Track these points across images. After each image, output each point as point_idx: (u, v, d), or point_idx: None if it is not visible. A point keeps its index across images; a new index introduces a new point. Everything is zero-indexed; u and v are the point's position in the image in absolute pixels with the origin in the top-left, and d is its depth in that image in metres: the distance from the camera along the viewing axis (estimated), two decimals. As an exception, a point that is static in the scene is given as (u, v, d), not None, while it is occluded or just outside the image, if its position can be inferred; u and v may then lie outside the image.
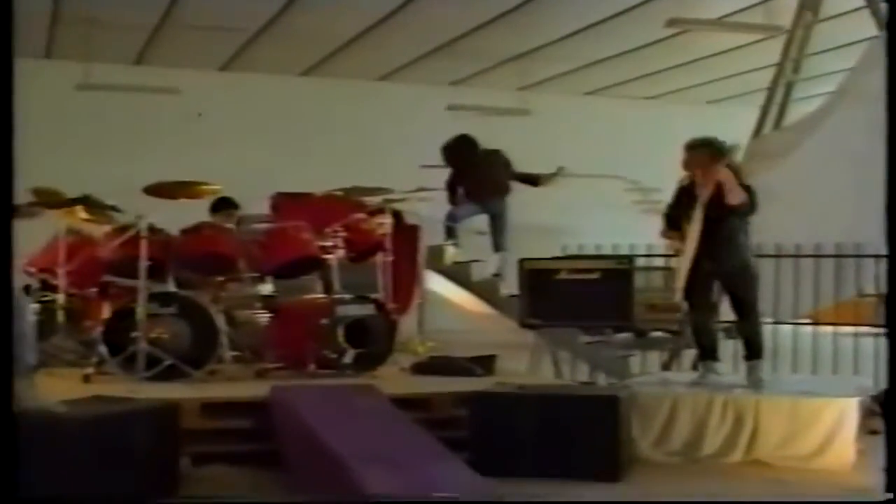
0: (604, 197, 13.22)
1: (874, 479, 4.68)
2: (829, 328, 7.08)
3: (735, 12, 9.61)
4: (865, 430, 5.48)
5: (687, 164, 5.86)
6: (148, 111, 12.06)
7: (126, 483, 4.34)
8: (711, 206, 5.64)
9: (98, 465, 4.24)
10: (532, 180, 8.89)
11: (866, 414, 5.59)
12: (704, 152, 5.77)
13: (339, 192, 6.84)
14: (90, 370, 5.64)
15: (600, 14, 10.51)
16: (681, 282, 5.65)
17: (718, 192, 5.64)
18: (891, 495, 3.04)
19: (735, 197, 5.56)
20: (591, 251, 7.42)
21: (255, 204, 7.38)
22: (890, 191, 3.22)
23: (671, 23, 8.95)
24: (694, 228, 5.66)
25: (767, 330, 6.47)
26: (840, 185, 6.76)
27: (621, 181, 13.44)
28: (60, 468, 4.15)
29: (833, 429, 5.15)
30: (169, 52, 11.94)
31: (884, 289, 5.99)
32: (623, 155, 13.66)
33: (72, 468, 4.17)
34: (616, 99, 14.38)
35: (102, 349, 5.66)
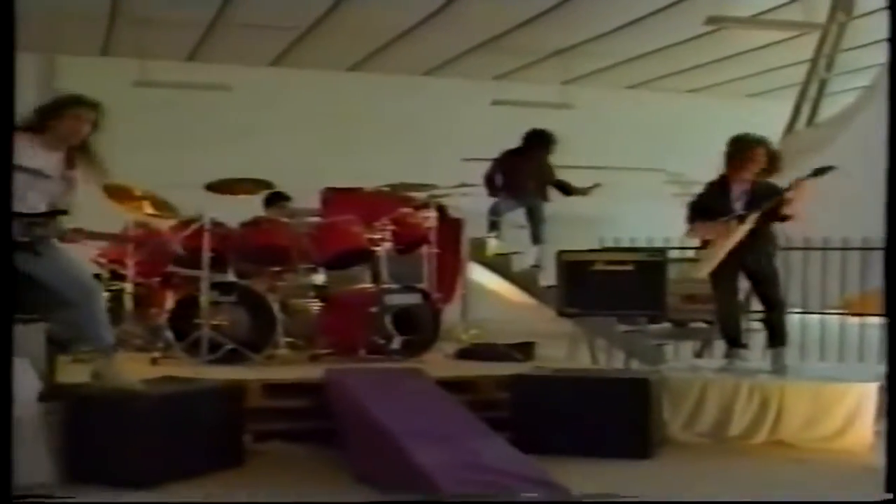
0: (644, 189, 13.53)
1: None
2: (857, 318, 7.42)
3: (773, 9, 9.90)
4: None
5: (755, 160, 6.19)
6: (201, 106, 12.55)
7: (197, 455, 4.84)
8: (769, 212, 6.02)
9: (172, 438, 4.75)
10: (566, 189, 9.31)
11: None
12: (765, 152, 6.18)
13: (386, 188, 7.28)
14: (157, 354, 6.16)
15: (640, 11, 10.82)
16: (707, 269, 6.03)
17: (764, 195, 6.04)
18: (891, 495, 3.06)
19: (797, 212, 5.99)
20: (626, 243, 7.80)
21: (305, 196, 7.88)
22: (890, 186, 3.52)
23: (710, 21, 9.27)
24: (742, 228, 6.03)
25: (797, 320, 6.83)
26: (868, 181, 7.06)
27: (662, 173, 13.75)
28: (139, 440, 4.67)
29: (853, 412, 5.52)
30: (220, 48, 12.42)
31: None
32: (663, 148, 13.94)
33: (149, 440, 4.68)
34: (657, 92, 14.66)
35: (168, 335, 6.18)
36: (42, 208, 4.79)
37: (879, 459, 5.33)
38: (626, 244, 8.22)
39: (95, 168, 5.05)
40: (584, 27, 11.57)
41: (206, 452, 4.90)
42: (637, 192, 13.42)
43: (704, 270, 6.12)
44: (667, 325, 7.93)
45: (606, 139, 13.76)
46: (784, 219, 6.16)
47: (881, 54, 9.04)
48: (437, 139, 13.17)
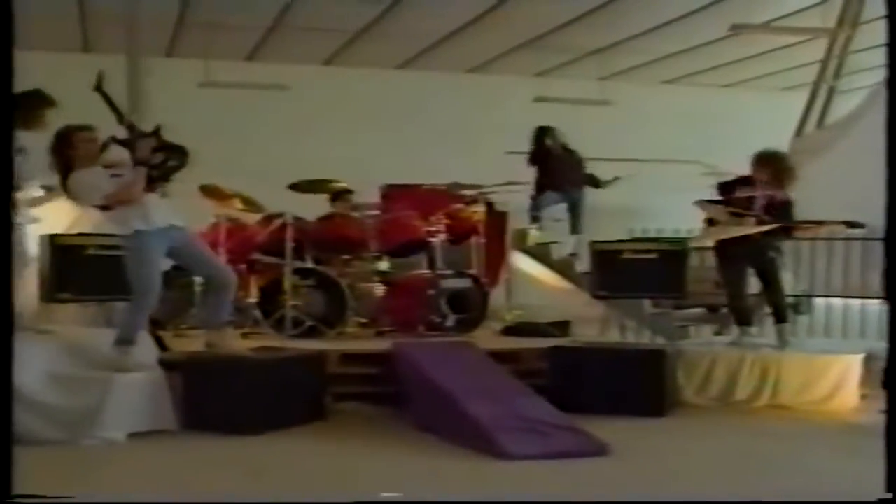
0: (680, 181, 14.65)
1: (873, 419, 6.27)
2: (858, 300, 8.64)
3: (797, 12, 11.03)
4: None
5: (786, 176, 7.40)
6: (261, 104, 13.86)
7: (290, 409, 6.15)
8: (779, 214, 7.21)
9: (271, 395, 6.07)
10: (595, 182, 10.49)
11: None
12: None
13: (441, 186, 8.58)
14: (247, 330, 7.49)
15: (674, 13, 11.96)
16: (717, 237, 7.23)
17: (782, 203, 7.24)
18: (890, 495, 3.09)
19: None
20: (659, 233, 9.00)
21: (357, 188, 9.12)
22: (890, 178, 4.16)
23: (734, 28, 10.44)
24: (756, 228, 7.19)
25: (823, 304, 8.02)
26: (870, 178, 8.18)
27: (698, 165, 14.87)
28: (246, 396, 5.99)
29: (840, 379, 6.76)
30: (278, 48, 13.72)
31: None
32: (699, 141, 15.00)
33: (253, 396, 6.00)
34: (692, 87, 15.75)
35: (257, 313, 7.52)
36: None
37: (861, 419, 6.56)
38: (658, 234, 9.43)
39: None
40: (620, 28, 12.69)
41: (297, 408, 6.21)
42: (673, 183, 14.55)
43: (701, 241, 7.33)
44: (700, 309, 9.18)
45: (643, 133, 14.91)
46: (790, 234, 7.37)
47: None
48: (481, 133, 14.36)
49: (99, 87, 5.94)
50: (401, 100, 14.62)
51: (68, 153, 5.94)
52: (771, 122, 12.09)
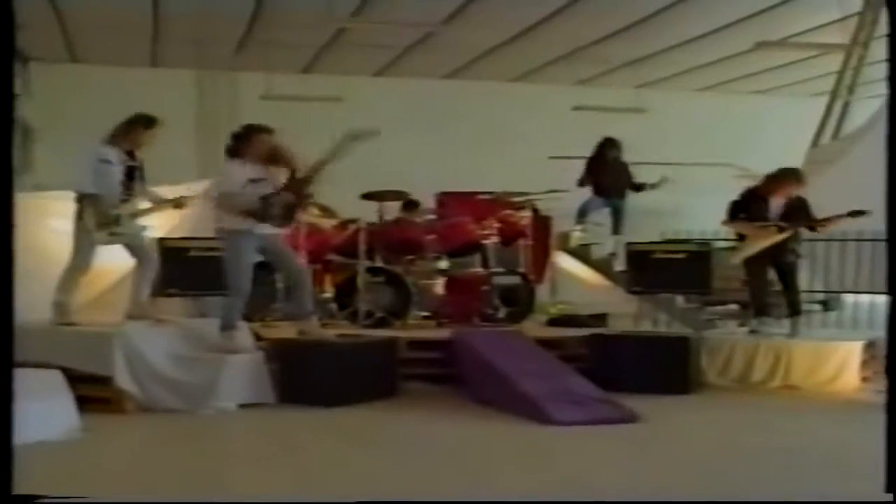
0: (714, 183, 15.82)
1: (871, 398, 7.54)
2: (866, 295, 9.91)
3: (818, 27, 12.24)
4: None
5: (789, 186, 8.59)
6: (317, 115, 15.16)
7: (368, 386, 7.48)
8: (796, 220, 8.45)
9: (352, 374, 7.40)
10: (639, 188, 11.74)
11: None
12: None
13: (491, 194, 9.95)
14: (325, 321, 8.84)
15: (703, 29, 13.17)
16: (740, 258, 8.49)
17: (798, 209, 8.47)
18: (891, 496, 3.17)
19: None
20: (684, 236, 10.26)
21: (412, 192, 10.37)
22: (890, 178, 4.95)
23: (759, 45, 11.69)
24: (781, 235, 8.41)
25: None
26: (881, 185, 9.40)
27: (730, 168, 16.04)
28: (332, 374, 7.33)
29: (843, 363, 8.01)
30: (332, 62, 15.08)
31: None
32: (731, 144, 16.19)
33: (338, 374, 7.34)
34: (723, 94, 16.94)
35: (333, 306, 8.89)
36: None
37: (862, 397, 7.80)
38: (687, 236, 10.68)
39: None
40: (654, 41, 13.89)
41: (374, 385, 7.55)
42: (706, 186, 15.71)
43: (738, 259, 8.59)
44: (732, 305, 10.41)
45: (677, 138, 16.12)
46: (813, 230, 8.61)
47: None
48: (524, 139, 15.64)
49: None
50: (447, 108, 15.88)
51: (240, 144, 7.30)
52: (799, 126, 13.23)
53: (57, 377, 6.30)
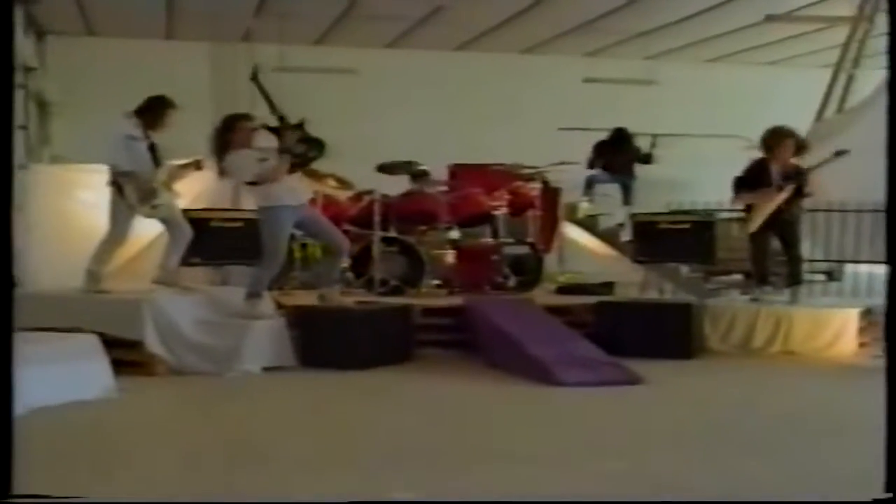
0: (723, 155, 16.20)
1: (867, 363, 8.01)
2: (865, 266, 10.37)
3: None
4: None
5: (786, 147, 9.00)
6: (331, 86, 15.56)
7: (385, 351, 7.96)
8: (797, 188, 8.85)
9: (370, 339, 7.89)
10: (647, 160, 12.15)
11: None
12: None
13: (502, 166, 10.40)
14: (342, 289, 9.32)
15: (713, 1, 13.51)
16: (754, 227, 8.92)
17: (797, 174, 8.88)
18: (891, 495, 3.20)
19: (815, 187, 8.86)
20: (690, 207, 10.69)
21: (424, 163, 10.79)
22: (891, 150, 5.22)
23: (769, 18, 12.09)
24: (780, 196, 8.85)
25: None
26: (879, 158, 9.80)
27: (739, 140, 16.43)
28: (351, 339, 7.81)
29: (840, 329, 8.47)
30: (344, 33, 15.45)
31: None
32: (740, 116, 16.47)
33: (357, 339, 7.82)
34: (733, 66, 17.24)
35: (349, 275, 9.36)
36: None
37: (858, 361, 8.25)
38: (698, 207, 11.10)
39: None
40: (664, 13, 14.21)
41: (390, 350, 8.03)
42: (716, 158, 16.09)
43: (752, 227, 9.00)
44: (738, 275, 10.86)
45: (686, 109, 16.47)
46: (807, 195, 9.02)
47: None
48: (534, 110, 16.02)
49: (255, 78, 7.75)
50: (458, 80, 16.24)
51: (228, 136, 7.76)
52: (808, 98, 13.57)
53: (93, 341, 6.77)
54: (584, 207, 11.88)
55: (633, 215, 9.74)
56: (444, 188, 10.31)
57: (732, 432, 5.68)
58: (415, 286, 9.35)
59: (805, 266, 9.49)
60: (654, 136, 12.41)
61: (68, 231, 8.78)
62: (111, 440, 5.46)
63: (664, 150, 13.55)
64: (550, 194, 11.15)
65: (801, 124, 11.61)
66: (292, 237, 8.48)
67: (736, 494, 4.27)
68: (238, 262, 8.72)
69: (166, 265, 8.03)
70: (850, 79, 11.66)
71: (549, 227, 10.99)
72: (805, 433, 5.66)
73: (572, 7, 13.92)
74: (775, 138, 9.11)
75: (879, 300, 9.25)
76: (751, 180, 9.19)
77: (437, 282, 9.72)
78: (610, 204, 12.14)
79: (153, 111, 8.02)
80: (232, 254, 8.72)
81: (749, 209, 9.28)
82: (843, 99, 11.62)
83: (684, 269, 10.59)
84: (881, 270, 9.70)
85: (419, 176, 10.07)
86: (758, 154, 9.39)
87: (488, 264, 9.74)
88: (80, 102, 14.01)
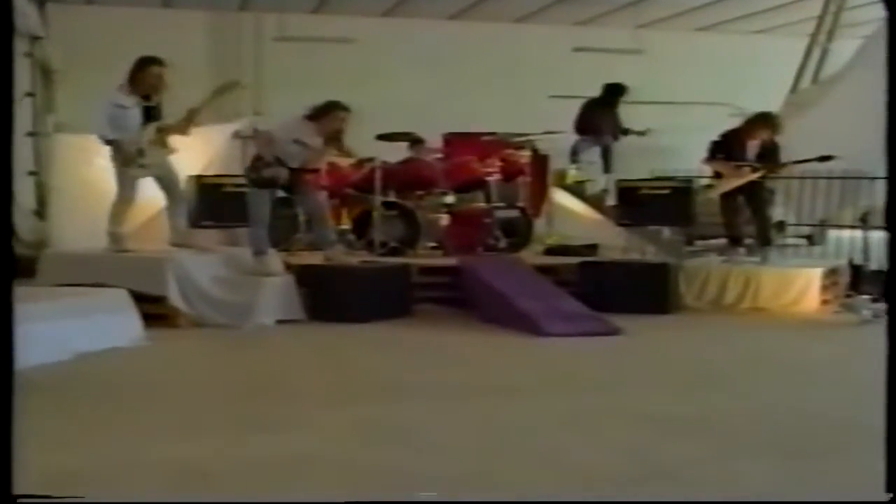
0: (710, 123, 17.10)
1: (828, 317, 9.07)
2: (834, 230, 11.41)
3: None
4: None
5: (766, 128, 10.03)
6: (328, 55, 16.36)
7: (386, 306, 8.96)
8: (766, 161, 9.87)
9: (373, 295, 8.89)
10: (624, 132, 13.15)
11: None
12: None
13: (494, 134, 11.41)
14: (345, 250, 10.32)
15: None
16: (716, 193, 9.95)
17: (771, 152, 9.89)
18: (891, 495, 3.30)
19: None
20: (673, 175, 11.68)
21: (419, 131, 11.73)
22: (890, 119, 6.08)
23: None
24: (754, 175, 9.87)
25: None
26: (850, 127, 10.73)
27: (726, 108, 17.32)
28: (355, 295, 8.81)
29: (804, 287, 9.50)
30: (341, 2, 16.28)
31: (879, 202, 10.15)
32: (729, 84, 17.33)
33: (360, 295, 8.82)
34: (725, 34, 18.01)
35: (351, 237, 10.37)
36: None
37: (820, 317, 9.27)
38: (681, 175, 12.08)
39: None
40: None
41: (391, 305, 9.03)
42: (703, 126, 16.98)
43: (713, 194, 10.04)
44: (722, 240, 11.85)
45: (675, 78, 17.29)
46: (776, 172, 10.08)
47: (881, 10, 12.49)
48: (525, 79, 16.87)
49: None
50: (452, 49, 17.00)
51: (321, 117, 8.98)
52: (793, 66, 14.46)
53: (124, 295, 7.75)
54: (572, 174, 12.87)
55: (618, 181, 10.73)
56: (440, 156, 11.32)
57: (701, 372, 6.70)
58: (412, 247, 10.36)
59: (778, 228, 10.52)
60: (647, 130, 13.31)
61: (91, 196, 9.74)
62: (150, 378, 6.45)
63: (653, 120, 14.47)
64: (539, 161, 12.19)
65: (785, 92, 12.60)
66: (287, 200, 9.45)
67: (704, 421, 5.09)
68: (245, 224, 9.71)
69: (176, 227, 9.00)
70: (825, 51, 12.59)
71: (539, 192, 12.03)
72: (766, 372, 6.71)
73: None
74: (756, 121, 10.10)
75: (843, 260, 10.35)
76: (726, 147, 10.18)
77: (433, 243, 10.74)
78: (595, 171, 13.12)
79: (136, 73, 8.74)
80: (242, 217, 9.69)
81: (718, 175, 10.28)
82: (817, 70, 12.56)
83: (665, 233, 11.58)
84: (855, 234, 10.74)
85: (416, 143, 11.04)
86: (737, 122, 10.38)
87: (481, 227, 10.79)
88: (82, 71, 14.78)
